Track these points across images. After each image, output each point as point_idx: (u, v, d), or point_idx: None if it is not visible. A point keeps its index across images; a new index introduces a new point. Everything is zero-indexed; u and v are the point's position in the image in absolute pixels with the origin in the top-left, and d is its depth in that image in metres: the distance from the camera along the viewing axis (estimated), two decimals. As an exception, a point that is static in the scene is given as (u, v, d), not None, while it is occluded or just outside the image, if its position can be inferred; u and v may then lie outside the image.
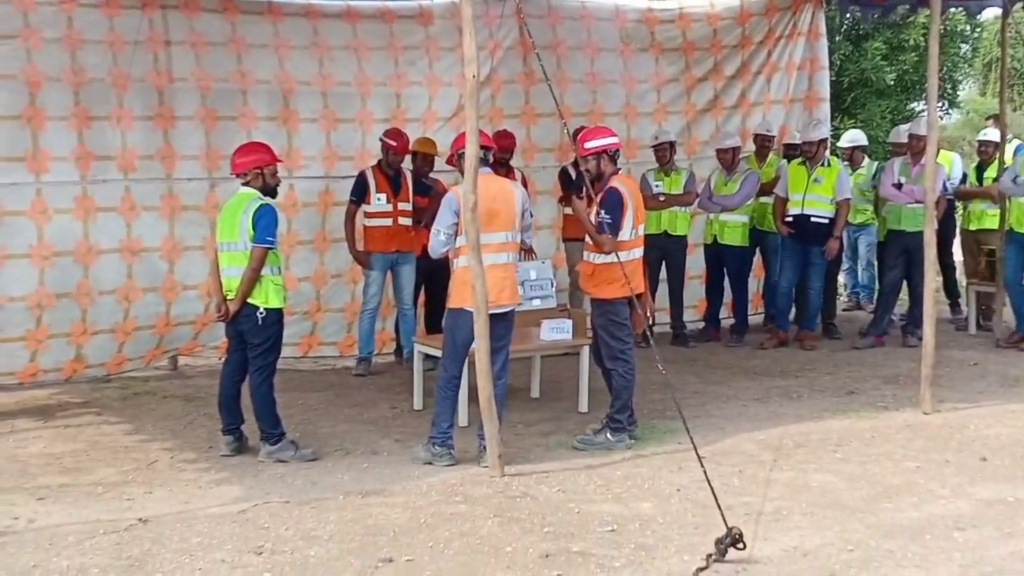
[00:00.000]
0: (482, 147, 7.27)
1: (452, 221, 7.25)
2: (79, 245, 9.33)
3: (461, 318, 7.30)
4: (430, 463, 7.26)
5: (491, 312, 7.12)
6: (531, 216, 7.63)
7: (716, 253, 11.55)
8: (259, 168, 7.51)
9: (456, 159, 7.56)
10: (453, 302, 7.41)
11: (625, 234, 7.60)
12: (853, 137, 12.90)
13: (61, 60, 9.20)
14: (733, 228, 11.38)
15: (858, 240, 12.99)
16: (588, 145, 7.72)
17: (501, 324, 7.28)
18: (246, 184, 7.51)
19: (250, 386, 7.50)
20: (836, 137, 13.24)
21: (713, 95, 12.11)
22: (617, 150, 7.80)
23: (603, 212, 7.51)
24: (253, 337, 7.43)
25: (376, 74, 10.61)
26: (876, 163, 12.57)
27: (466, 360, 7.46)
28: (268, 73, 10.17)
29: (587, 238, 7.72)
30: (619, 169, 7.81)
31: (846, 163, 12.59)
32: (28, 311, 9.17)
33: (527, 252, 10.40)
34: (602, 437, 7.66)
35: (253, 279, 7.34)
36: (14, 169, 9.07)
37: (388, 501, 6.57)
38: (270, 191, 7.57)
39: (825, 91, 12.63)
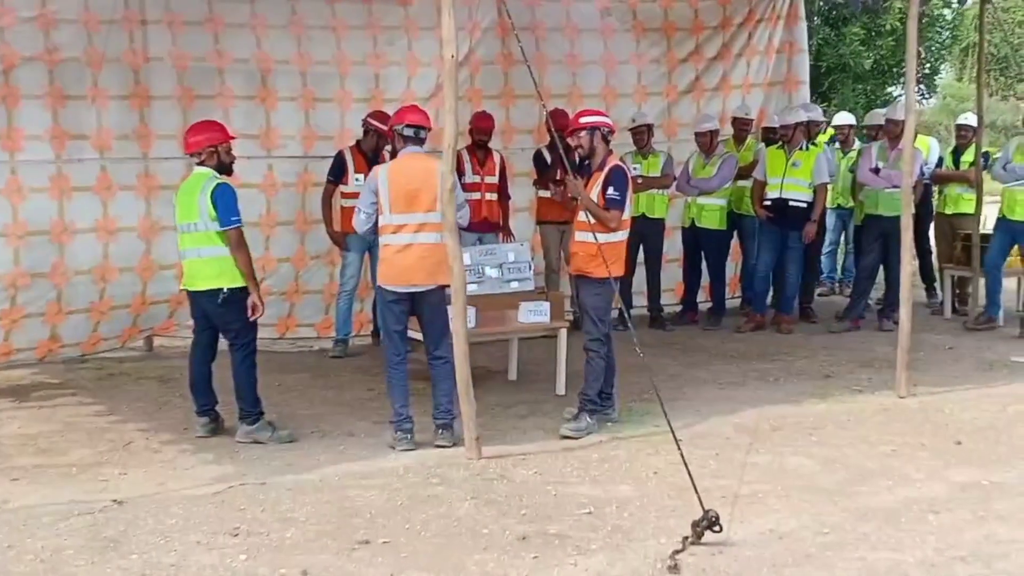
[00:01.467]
0: (411, 126, 7.33)
1: (371, 200, 7.32)
2: (54, 225, 9.28)
3: (381, 296, 7.42)
4: (392, 447, 7.27)
5: (410, 291, 7.23)
6: (462, 195, 7.56)
7: (694, 236, 11.56)
8: (213, 147, 7.41)
9: (393, 135, 7.57)
10: (376, 279, 7.49)
11: (626, 212, 7.61)
12: (844, 118, 12.94)
13: (35, 39, 9.12)
14: (711, 211, 11.40)
15: (848, 224, 12.98)
16: (583, 120, 7.68)
17: (424, 304, 7.27)
18: (201, 164, 7.43)
19: (232, 365, 7.44)
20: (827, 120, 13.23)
21: (695, 77, 12.10)
22: (610, 130, 7.75)
23: (611, 188, 7.46)
24: (222, 319, 7.39)
25: (354, 53, 10.57)
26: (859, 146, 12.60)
27: (404, 339, 7.43)
28: (246, 52, 10.13)
29: (584, 217, 7.52)
30: (612, 151, 7.78)
31: (837, 144, 12.62)
32: (2, 291, 9.12)
33: (506, 235, 10.44)
34: (583, 421, 7.64)
35: (246, 260, 7.33)
36: (-12, 148, 9.01)
37: (365, 483, 6.55)
38: (225, 169, 7.49)
39: (804, 74, 12.64)
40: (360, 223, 7.47)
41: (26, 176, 9.15)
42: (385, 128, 9.79)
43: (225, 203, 7.24)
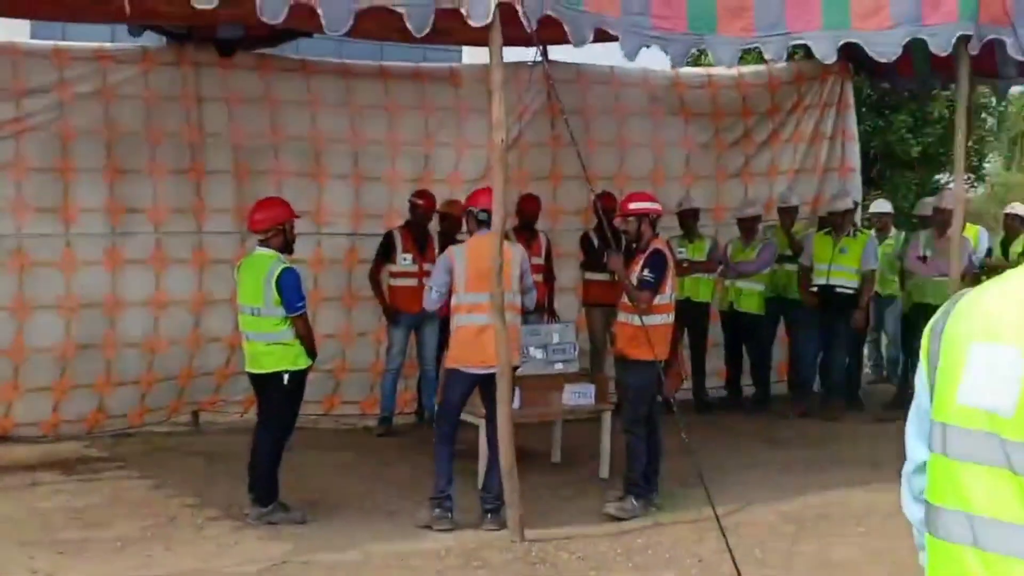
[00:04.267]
0: (484, 210, 7.39)
1: (445, 279, 7.38)
2: (106, 297, 9.40)
3: (453, 377, 7.40)
4: (429, 527, 7.24)
5: (483, 372, 7.21)
6: (530, 279, 7.65)
7: (732, 320, 11.56)
8: (280, 225, 7.44)
9: (465, 216, 7.69)
10: (447, 361, 7.49)
11: (665, 297, 7.63)
12: (881, 206, 12.93)
13: (95, 114, 9.34)
14: (749, 295, 11.39)
15: (885, 312, 12.90)
16: (632, 206, 7.77)
17: (493, 384, 7.23)
18: (264, 242, 7.44)
19: (259, 443, 7.41)
20: (866, 207, 13.19)
21: (743, 161, 12.12)
22: (658, 215, 7.84)
23: (646, 271, 7.53)
24: (273, 395, 7.40)
25: (406, 133, 10.71)
26: (903, 234, 12.55)
27: (459, 418, 7.48)
28: (300, 130, 10.29)
29: (622, 299, 7.71)
30: (658, 234, 7.84)
31: (876, 231, 12.57)
32: (53, 362, 9.23)
33: (551, 315, 10.46)
34: (629, 504, 7.61)
35: (311, 343, 7.41)
36: (44, 220, 9.18)
37: (407, 564, 6.54)
38: (289, 248, 7.54)
39: (856, 161, 12.62)
40: (432, 301, 7.58)
41: (80, 249, 9.30)
42: (421, 202, 9.96)
43: (291, 290, 7.25)
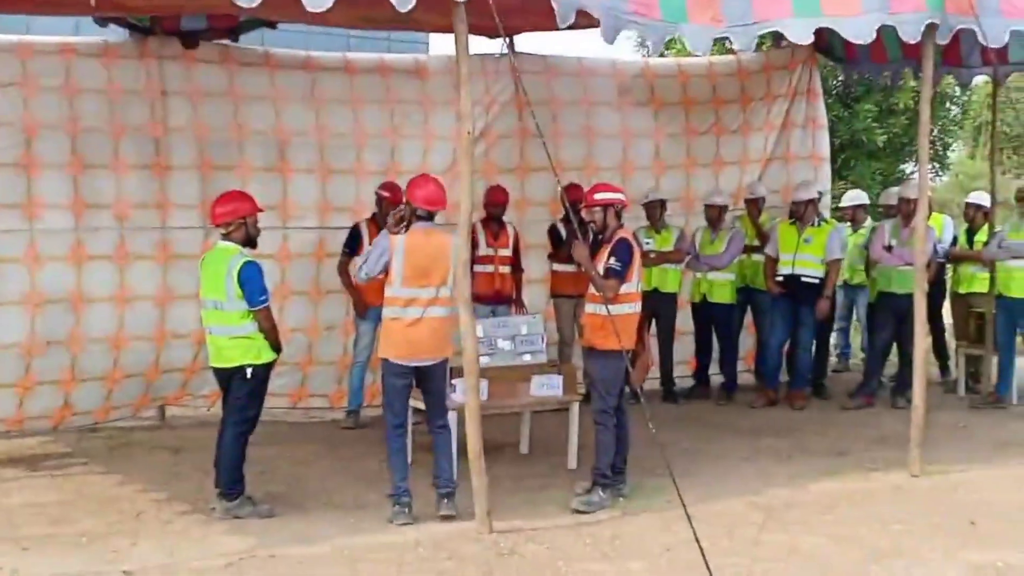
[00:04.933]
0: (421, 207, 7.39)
1: (379, 268, 7.31)
2: (71, 293, 9.32)
3: (385, 368, 7.39)
4: (391, 522, 7.23)
5: (417, 365, 7.28)
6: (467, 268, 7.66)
7: (704, 311, 11.59)
8: (242, 218, 7.42)
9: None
10: (379, 351, 7.51)
11: (632, 286, 7.64)
12: (855, 196, 12.97)
13: (58, 108, 9.26)
14: (721, 286, 11.44)
15: (856, 301, 12.97)
16: (597, 197, 7.78)
17: (429, 376, 7.35)
18: (227, 236, 7.42)
19: (223, 436, 7.39)
20: (836, 198, 13.21)
21: (714, 150, 12.10)
22: (623, 206, 7.87)
23: (613, 259, 7.55)
24: (237, 389, 7.38)
25: (372, 126, 10.67)
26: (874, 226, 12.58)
27: (406, 409, 7.46)
28: (264, 124, 10.23)
29: (590, 289, 7.73)
30: (623, 225, 7.86)
31: (848, 223, 12.61)
32: (18, 358, 9.15)
33: (519, 307, 10.47)
34: (596, 496, 7.62)
35: (276, 337, 7.40)
36: (8, 216, 9.11)
37: (375, 556, 6.53)
38: (252, 242, 7.51)
39: (826, 150, 12.57)
40: (360, 279, 7.69)
41: (44, 244, 9.22)
42: (387, 195, 9.88)
43: (252, 283, 7.24)
